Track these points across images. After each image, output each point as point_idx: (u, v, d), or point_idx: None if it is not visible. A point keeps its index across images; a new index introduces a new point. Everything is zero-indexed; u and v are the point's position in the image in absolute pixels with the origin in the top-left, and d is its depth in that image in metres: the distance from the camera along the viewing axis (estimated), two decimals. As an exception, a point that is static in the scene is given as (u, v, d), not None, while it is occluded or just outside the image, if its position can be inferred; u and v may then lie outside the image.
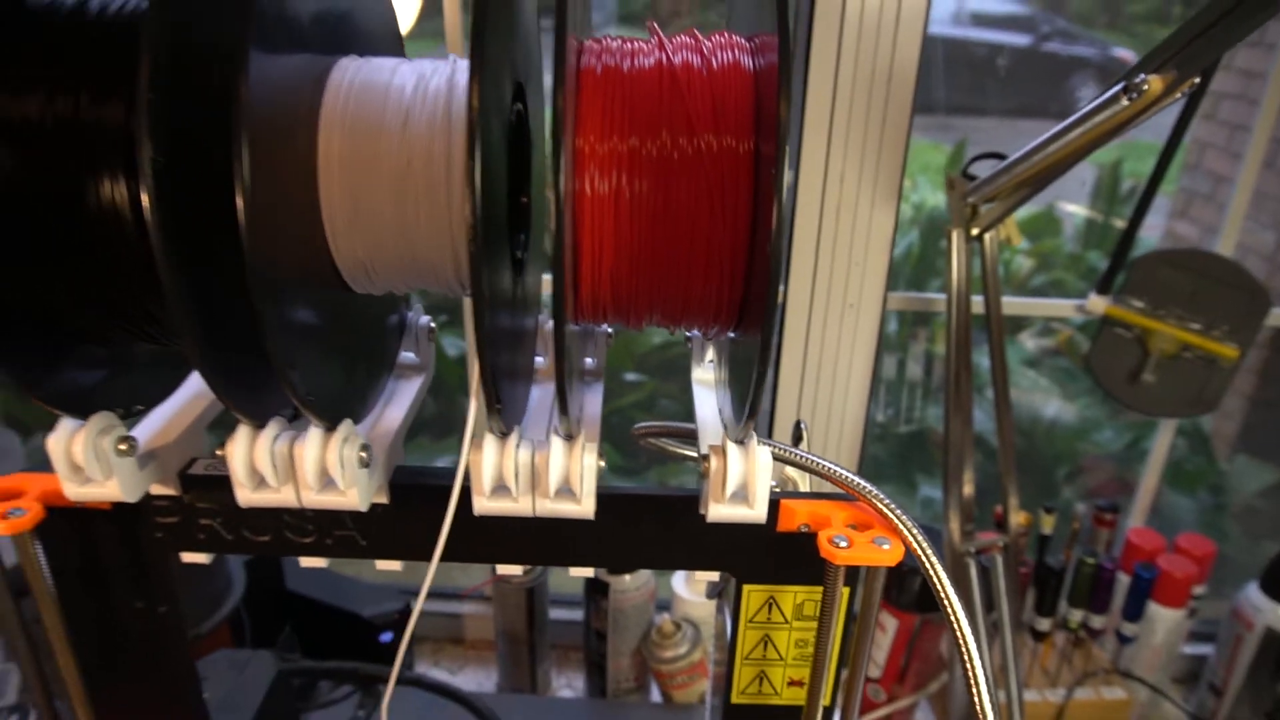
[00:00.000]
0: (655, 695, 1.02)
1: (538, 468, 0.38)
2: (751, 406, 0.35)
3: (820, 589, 0.45)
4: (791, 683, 0.49)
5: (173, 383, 0.47)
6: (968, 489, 0.87)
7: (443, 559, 0.42)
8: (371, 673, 0.81)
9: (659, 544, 0.44)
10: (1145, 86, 0.50)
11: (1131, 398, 0.93)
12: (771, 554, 0.44)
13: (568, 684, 1.13)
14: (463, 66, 0.37)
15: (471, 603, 1.17)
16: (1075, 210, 2.65)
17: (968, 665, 0.38)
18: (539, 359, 0.51)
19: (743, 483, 0.38)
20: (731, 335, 0.41)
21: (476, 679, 1.13)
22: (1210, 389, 0.92)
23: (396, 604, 0.96)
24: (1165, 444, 1.12)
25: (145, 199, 0.30)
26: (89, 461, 0.38)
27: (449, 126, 0.35)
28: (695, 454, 0.59)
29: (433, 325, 0.52)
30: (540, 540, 0.43)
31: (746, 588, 0.45)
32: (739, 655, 0.48)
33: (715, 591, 0.59)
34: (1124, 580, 1.00)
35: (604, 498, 0.40)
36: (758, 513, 0.39)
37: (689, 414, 0.49)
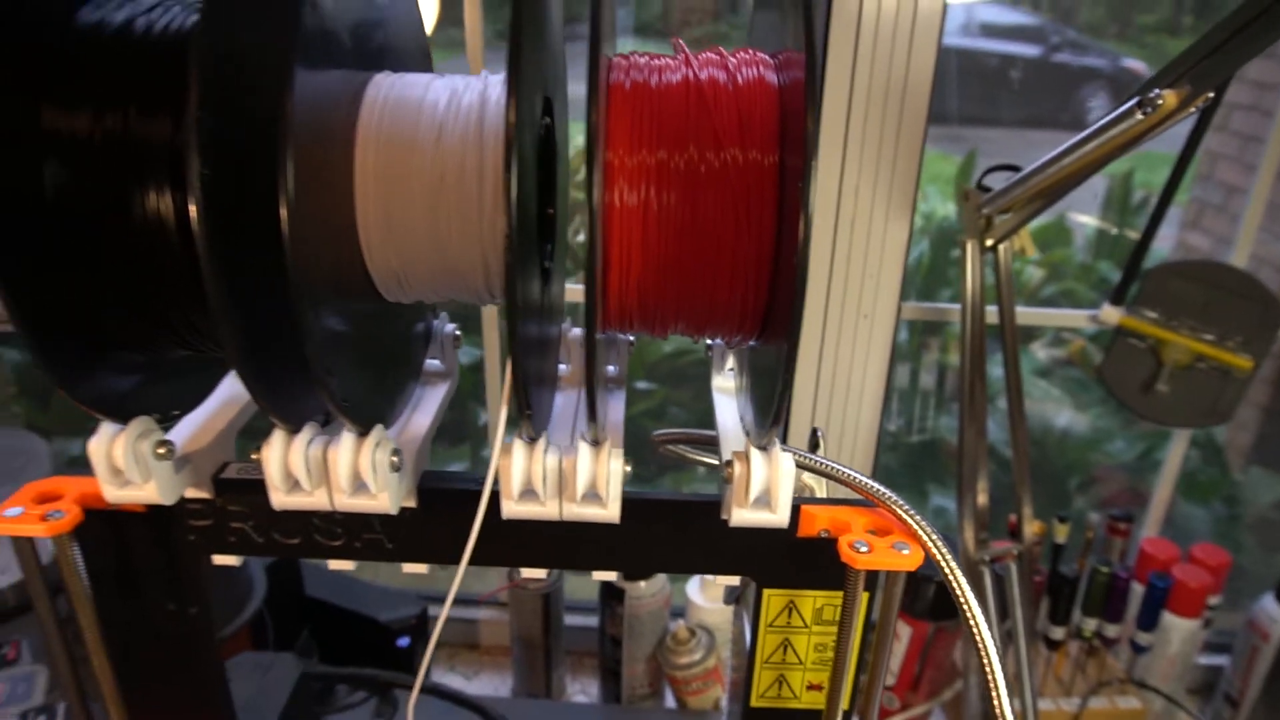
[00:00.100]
0: (669, 701, 1.03)
1: (565, 472, 0.39)
2: (776, 413, 0.36)
3: (839, 594, 0.45)
4: (811, 687, 0.49)
5: (202, 389, 0.48)
6: (982, 498, 0.88)
7: (470, 562, 0.43)
8: (393, 680, 0.82)
9: (681, 548, 0.45)
10: (1160, 101, 0.51)
11: (1145, 408, 0.93)
12: (792, 559, 0.44)
13: (582, 690, 1.13)
14: (494, 82, 0.39)
15: (487, 608, 1.18)
16: (1087, 221, 2.65)
17: (987, 669, 0.38)
18: (561, 366, 0.52)
19: (766, 488, 0.39)
20: (752, 344, 0.42)
21: (492, 684, 1.14)
22: (1224, 400, 0.92)
23: (414, 609, 0.97)
24: (1179, 454, 1.12)
25: (193, 210, 0.31)
26: (129, 465, 0.39)
27: (481, 141, 0.37)
28: (713, 460, 0.60)
29: (458, 333, 0.53)
30: (565, 544, 0.44)
31: (767, 592, 0.46)
32: (759, 659, 0.48)
33: (733, 597, 0.59)
34: (1138, 590, 1.00)
35: (628, 502, 0.40)
36: (780, 517, 0.39)
37: (699, 422, 0.50)
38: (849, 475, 0.43)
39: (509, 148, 0.30)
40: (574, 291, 0.92)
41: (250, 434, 0.46)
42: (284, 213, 0.31)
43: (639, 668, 1.00)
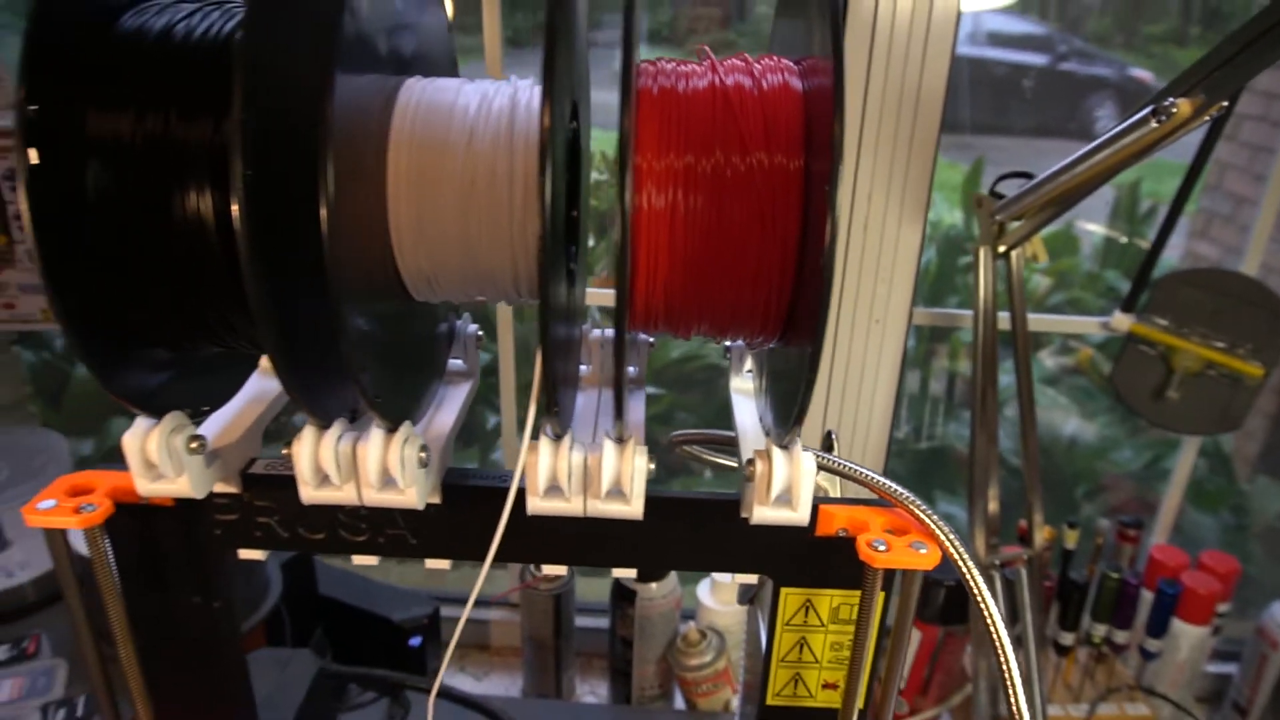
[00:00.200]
0: (679, 703, 1.03)
1: (590, 469, 0.39)
2: (798, 413, 0.36)
3: (856, 593, 0.46)
4: (826, 685, 0.50)
5: (228, 387, 0.49)
6: (993, 505, 0.88)
7: (494, 559, 0.44)
8: (406, 682, 0.82)
9: (700, 546, 0.45)
10: (1174, 109, 0.52)
11: (1156, 414, 0.94)
12: (810, 558, 0.45)
13: (591, 691, 1.14)
14: (523, 86, 0.39)
15: (498, 609, 1.19)
16: (1094, 229, 2.66)
17: (1002, 664, 0.39)
18: (582, 367, 0.53)
19: (787, 486, 0.39)
20: (772, 345, 0.43)
21: (502, 684, 1.14)
22: (1235, 407, 0.92)
23: (426, 609, 0.98)
24: (1189, 462, 1.12)
25: (235, 210, 0.32)
26: (162, 458, 0.40)
27: (511, 144, 0.37)
28: (728, 461, 0.60)
29: (480, 333, 0.54)
30: (586, 541, 0.45)
31: (784, 591, 0.46)
32: (775, 657, 0.49)
33: (748, 596, 0.60)
34: (1147, 596, 1.00)
35: (649, 500, 0.41)
36: (801, 515, 0.40)
37: (706, 427, 0.50)
38: (867, 475, 0.44)
39: (544, 151, 0.31)
40: (591, 295, 0.93)
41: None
42: (324, 213, 0.32)
43: (649, 669, 1.00)
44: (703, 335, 0.41)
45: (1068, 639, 0.98)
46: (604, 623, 1.05)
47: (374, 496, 0.41)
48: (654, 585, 0.97)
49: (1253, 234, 1.01)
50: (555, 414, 0.38)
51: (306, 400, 0.38)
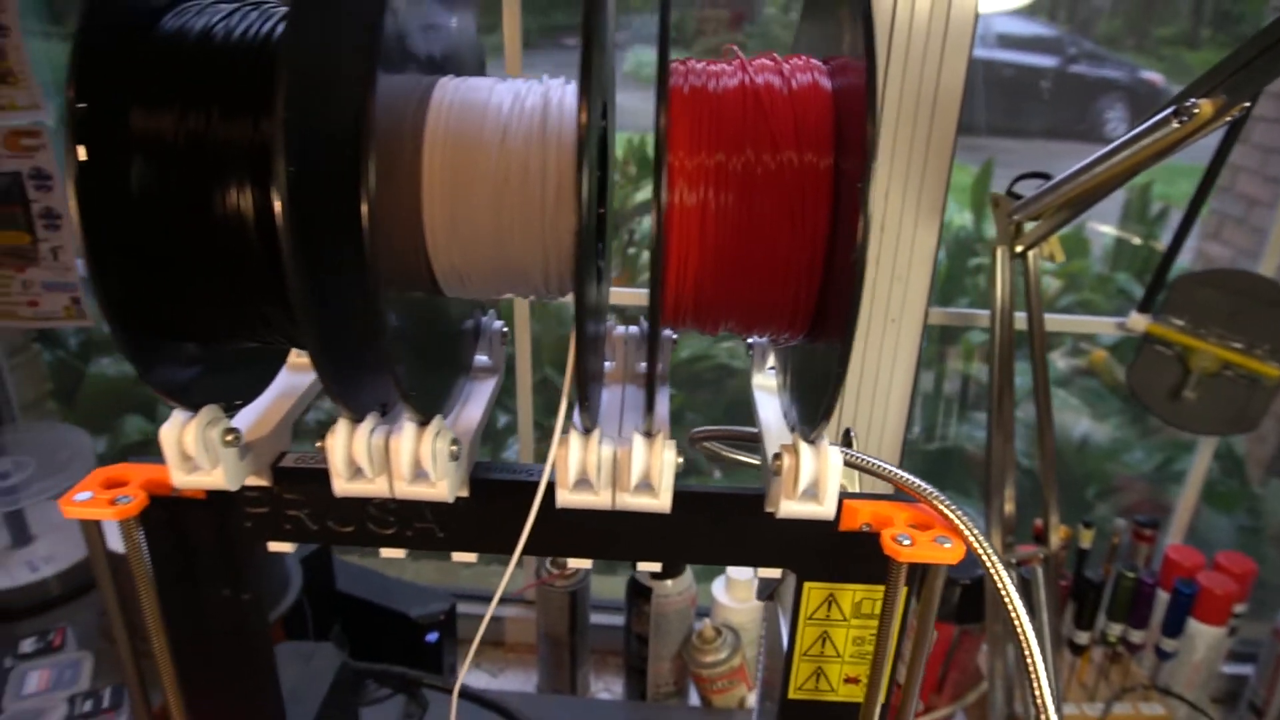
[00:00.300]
0: (693, 699, 1.04)
1: (619, 462, 0.40)
2: (827, 408, 0.37)
3: (879, 588, 0.47)
4: (848, 680, 0.50)
5: (257, 382, 0.50)
6: (1009, 506, 0.88)
7: (521, 552, 0.45)
8: (426, 681, 0.83)
9: (725, 540, 0.46)
10: (1196, 110, 0.52)
11: (1172, 415, 0.94)
12: (834, 552, 0.45)
13: (605, 688, 1.14)
14: (555, 85, 0.40)
15: (513, 606, 1.19)
16: (1106, 231, 2.65)
17: (1027, 658, 0.39)
18: (605, 363, 0.54)
19: (814, 480, 0.40)
20: (796, 342, 0.43)
21: (517, 681, 1.15)
22: (1252, 408, 0.92)
23: (443, 605, 0.98)
24: (1204, 463, 1.12)
25: (278, 207, 0.32)
26: (198, 451, 0.41)
27: (544, 142, 0.38)
28: (750, 458, 0.61)
29: (505, 330, 0.54)
30: (613, 535, 0.46)
31: (807, 585, 0.47)
32: (797, 651, 0.49)
33: (767, 592, 0.61)
34: (1163, 597, 1.00)
35: (675, 494, 0.42)
36: (827, 509, 0.41)
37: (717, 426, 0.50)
38: (891, 471, 0.44)
39: (581, 148, 0.31)
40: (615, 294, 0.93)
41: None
42: (365, 209, 0.32)
43: (664, 666, 1.01)
44: (729, 331, 0.42)
45: (1083, 638, 0.98)
46: (619, 620, 1.06)
47: (405, 489, 0.42)
48: (670, 582, 0.97)
49: (1270, 235, 1.01)
50: (586, 409, 0.38)
51: (341, 394, 0.39)
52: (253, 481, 0.46)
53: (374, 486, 0.42)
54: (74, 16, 0.35)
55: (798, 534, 0.45)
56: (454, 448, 0.41)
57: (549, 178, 0.38)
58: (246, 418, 0.47)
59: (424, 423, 0.40)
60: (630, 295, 1.06)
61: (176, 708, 0.50)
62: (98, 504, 0.44)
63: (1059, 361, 2.31)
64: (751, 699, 0.99)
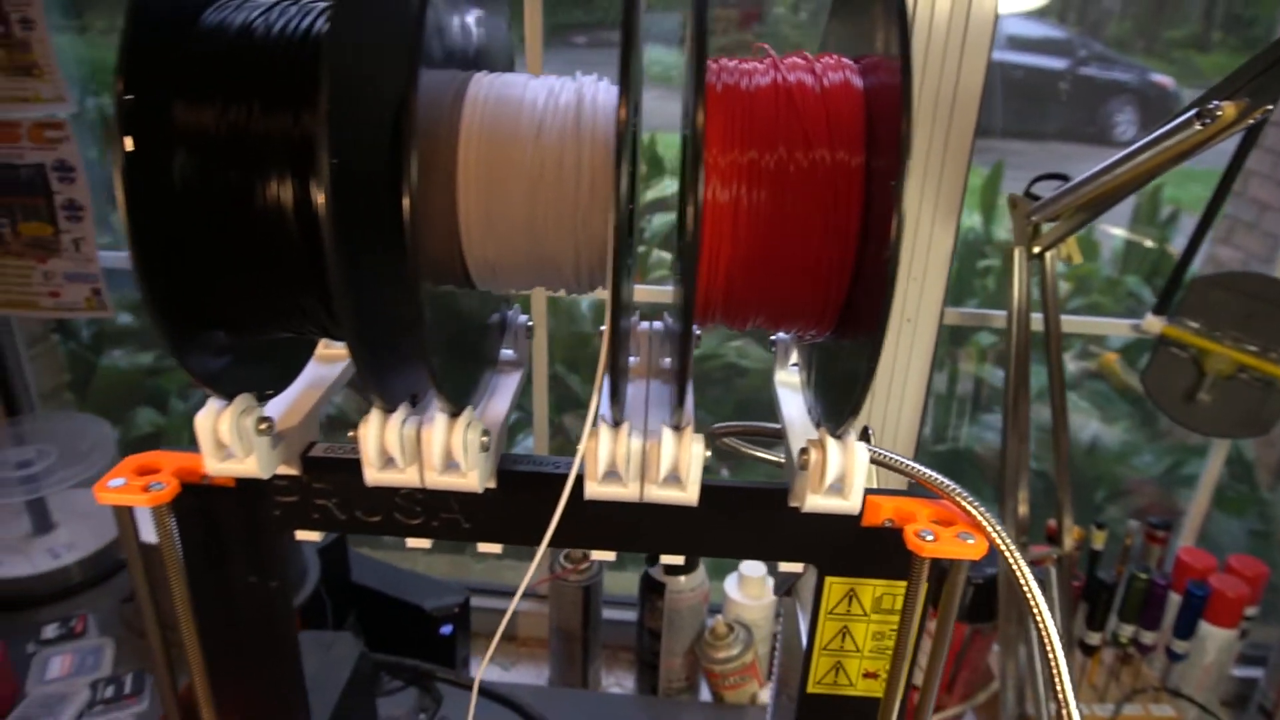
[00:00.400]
0: (704, 695, 1.04)
1: (648, 455, 0.40)
2: (855, 403, 0.37)
3: (900, 584, 0.47)
4: (867, 674, 0.51)
5: (285, 372, 0.51)
6: (1023, 508, 0.88)
7: (548, 543, 0.45)
8: (439, 674, 0.84)
9: (749, 534, 0.46)
10: (1219, 112, 0.52)
11: (1186, 417, 0.94)
12: (855, 547, 0.46)
13: (616, 683, 1.15)
14: (587, 82, 0.41)
15: (525, 600, 1.20)
16: (1117, 233, 2.64)
17: (1051, 653, 0.40)
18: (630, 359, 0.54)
19: (840, 475, 0.40)
20: (821, 339, 0.43)
21: (528, 675, 1.16)
22: (1267, 410, 0.92)
23: (457, 598, 0.99)
24: (1217, 466, 1.12)
25: (321, 199, 0.33)
26: (233, 439, 0.42)
27: (579, 137, 0.39)
28: (768, 455, 0.61)
29: (530, 324, 0.55)
30: (638, 527, 0.46)
31: (828, 579, 0.47)
32: (817, 645, 0.50)
33: (785, 586, 0.61)
34: (1175, 599, 1.00)
35: (703, 487, 0.42)
36: (852, 504, 0.41)
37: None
38: (914, 468, 0.45)
39: (620, 143, 0.32)
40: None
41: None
42: (407, 203, 0.33)
43: (676, 661, 1.01)
44: (757, 327, 0.42)
45: (1094, 639, 0.98)
46: (630, 615, 1.07)
47: (436, 479, 0.42)
48: (683, 578, 0.98)
49: (1285, 238, 1.01)
50: (617, 401, 0.39)
51: (376, 384, 0.39)
52: (282, 470, 0.46)
53: (405, 476, 0.43)
54: (95, 11, 0.36)
55: (821, 529, 0.45)
56: (485, 439, 0.41)
57: (583, 173, 0.38)
58: (277, 407, 0.48)
59: (455, 414, 0.41)
60: (643, 292, 1.07)
61: (203, 693, 0.51)
62: (131, 490, 0.45)
63: (1068, 364, 2.30)
64: (763, 695, 1.00)
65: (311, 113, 0.36)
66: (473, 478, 0.42)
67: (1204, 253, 2.00)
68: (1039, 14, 3.79)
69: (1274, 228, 1.67)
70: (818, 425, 0.45)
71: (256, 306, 0.40)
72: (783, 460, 0.57)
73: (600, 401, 0.40)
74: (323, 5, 0.40)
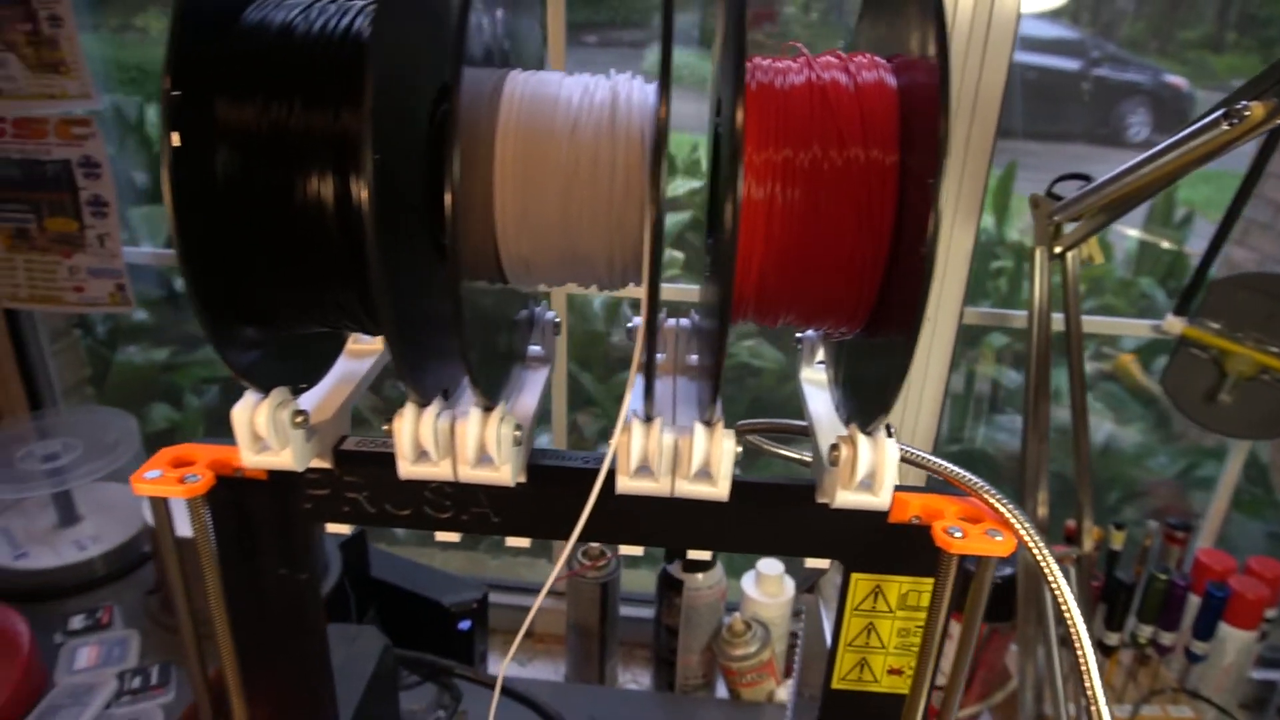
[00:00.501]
0: (721, 692, 1.05)
1: (680, 451, 0.41)
2: (888, 400, 0.38)
3: (926, 580, 0.47)
4: (891, 671, 0.51)
5: (316, 366, 0.51)
6: (1042, 509, 0.88)
7: (578, 538, 0.45)
8: (457, 671, 0.84)
9: (777, 530, 0.47)
10: (1247, 112, 0.52)
11: (1207, 418, 0.94)
12: (883, 544, 0.46)
13: (633, 679, 1.15)
14: (623, 80, 0.41)
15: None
16: (1131, 234, 2.63)
17: (1079, 650, 0.40)
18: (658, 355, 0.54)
19: (870, 471, 0.40)
20: (851, 336, 0.44)
21: (545, 671, 1.16)
22: (1288, 412, 0.92)
23: (475, 593, 1.00)
24: (1236, 467, 1.12)
25: (364, 194, 0.34)
26: (269, 431, 0.42)
27: (614, 135, 0.39)
28: (789, 452, 0.62)
29: (558, 320, 0.55)
30: (667, 522, 0.46)
31: (855, 576, 0.48)
32: (842, 641, 0.50)
33: (808, 584, 0.61)
34: (1194, 600, 1.00)
35: (733, 483, 0.42)
36: (882, 500, 0.41)
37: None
38: (942, 465, 0.45)
39: (659, 141, 0.32)
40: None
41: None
42: (449, 199, 0.33)
43: (693, 658, 1.02)
44: (788, 324, 0.43)
45: (1113, 639, 0.98)
46: (647, 612, 1.07)
47: (469, 473, 0.43)
48: (700, 575, 0.98)
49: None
50: (649, 397, 0.39)
51: (412, 378, 0.40)
52: (315, 463, 0.47)
53: (438, 470, 0.43)
54: (109, 10, 0.36)
55: (849, 525, 0.45)
56: (518, 433, 0.42)
57: (618, 171, 0.39)
58: (310, 401, 0.48)
59: (489, 408, 0.41)
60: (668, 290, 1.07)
61: (235, 684, 0.51)
62: (167, 482, 0.45)
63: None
64: (780, 693, 1.00)
65: (352, 110, 0.37)
66: (505, 471, 0.42)
67: (1219, 255, 1.99)
68: (1052, 15, 3.77)
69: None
70: (846, 422, 0.45)
71: (294, 301, 0.41)
72: (803, 457, 0.58)
73: (633, 397, 0.41)
74: (360, 4, 0.40)
